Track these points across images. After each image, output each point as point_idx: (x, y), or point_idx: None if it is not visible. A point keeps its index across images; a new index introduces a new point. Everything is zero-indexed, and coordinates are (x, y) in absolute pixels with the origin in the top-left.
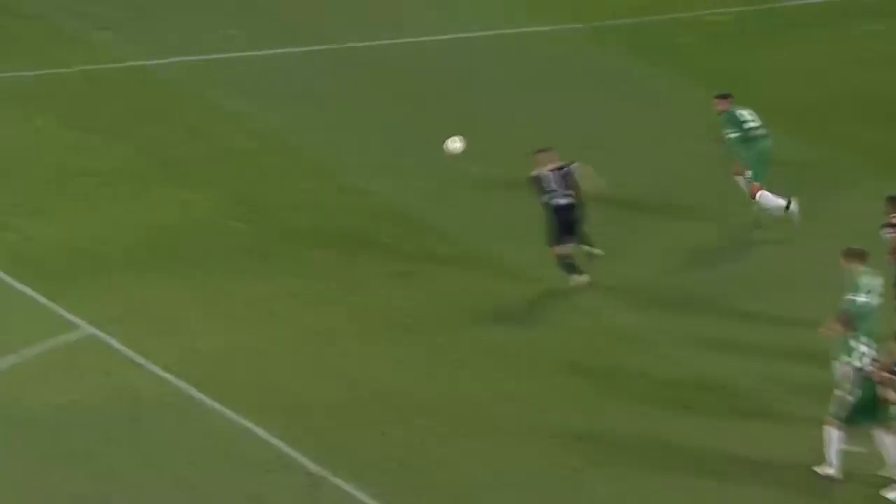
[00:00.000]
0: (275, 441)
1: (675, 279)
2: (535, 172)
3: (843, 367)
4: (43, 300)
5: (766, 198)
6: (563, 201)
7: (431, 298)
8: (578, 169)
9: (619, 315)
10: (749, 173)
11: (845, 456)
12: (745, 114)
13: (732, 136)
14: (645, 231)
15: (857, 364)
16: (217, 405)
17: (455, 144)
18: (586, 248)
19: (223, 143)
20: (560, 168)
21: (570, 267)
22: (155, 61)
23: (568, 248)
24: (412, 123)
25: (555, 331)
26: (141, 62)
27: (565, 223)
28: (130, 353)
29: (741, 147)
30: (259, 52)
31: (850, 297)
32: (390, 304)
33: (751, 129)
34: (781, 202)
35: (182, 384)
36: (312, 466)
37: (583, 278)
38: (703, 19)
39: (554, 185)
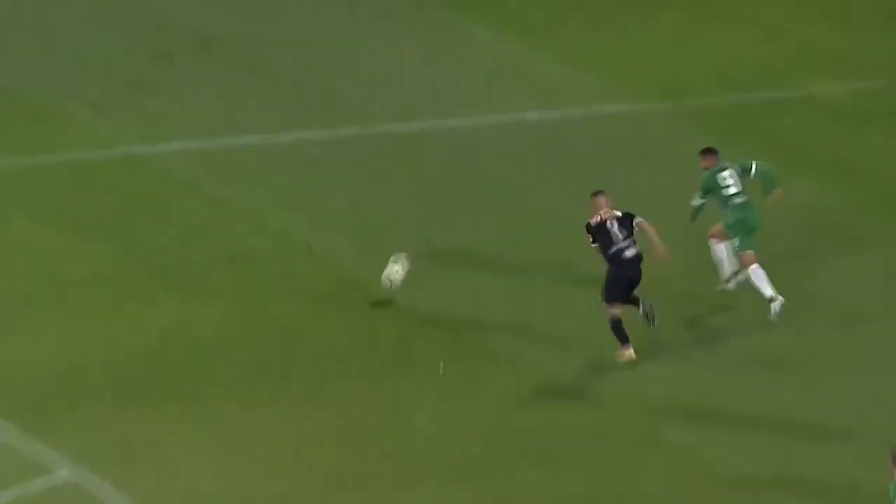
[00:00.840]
0: None
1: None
2: (595, 219)
3: None
4: (13, 436)
5: (759, 278)
6: (630, 253)
7: (478, 432)
8: (641, 224)
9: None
10: (736, 241)
11: None
12: (726, 176)
13: (702, 200)
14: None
15: None
16: None
17: (395, 270)
18: (647, 310)
19: (229, 246)
20: (622, 217)
21: (623, 334)
22: (151, 147)
23: (620, 309)
24: (457, 220)
25: (625, 465)
26: (134, 148)
27: (630, 279)
28: (121, 501)
29: (723, 212)
30: (277, 137)
31: None
32: (431, 440)
33: (729, 195)
34: (769, 292)
35: None
36: None
37: (631, 353)
38: (811, 98)
39: (621, 235)
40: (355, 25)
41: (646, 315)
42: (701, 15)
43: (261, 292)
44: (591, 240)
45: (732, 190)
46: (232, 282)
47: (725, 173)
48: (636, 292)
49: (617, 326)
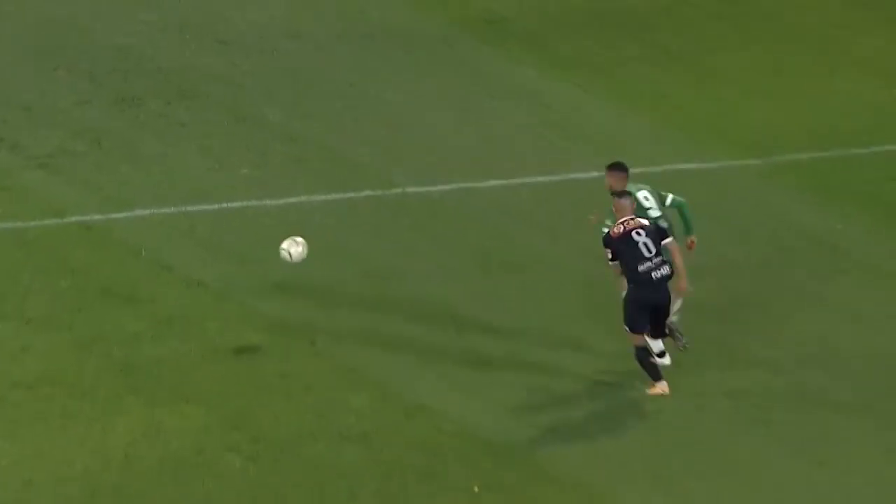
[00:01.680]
0: None
1: None
2: (618, 229)
3: None
4: None
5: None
6: (661, 273)
7: None
8: (670, 245)
9: None
10: None
11: None
12: (647, 195)
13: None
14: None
15: None
16: None
17: (296, 249)
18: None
19: (210, 338)
20: (651, 228)
21: (653, 367)
22: (113, 215)
23: (645, 337)
24: (490, 300)
25: None
26: (93, 216)
27: (657, 304)
28: None
29: None
30: (269, 201)
31: None
32: None
33: (654, 218)
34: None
35: None
36: None
37: (664, 387)
38: None
39: (652, 250)
40: (366, 64)
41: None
42: (796, 50)
43: (250, 397)
44: (610, 257)
45: (655, 213)
46: (214, 384)
47: (644, 193)
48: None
49: (644, 358)
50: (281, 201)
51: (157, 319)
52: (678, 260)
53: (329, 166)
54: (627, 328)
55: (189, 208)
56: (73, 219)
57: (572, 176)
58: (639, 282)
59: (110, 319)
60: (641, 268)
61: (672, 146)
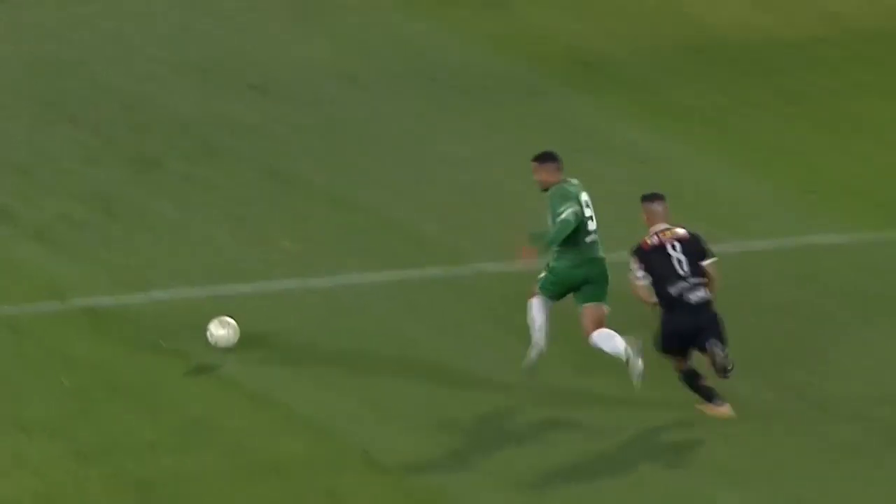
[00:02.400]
0: None
1: None
2: (652, 240)
3: None
4: None
5: (606, 342)
6: (698, 296)
7: None
8: (710, 268)
9: None
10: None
11: None
12: (585, 199)
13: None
14: None
15: None
16: None
17: (222, 333)
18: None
19: (247, 450)
20: (689, 239)
21: (705, 388)
22: (125, 298)
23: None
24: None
25: None
26: (100, 298)
27: (696, 328)
28: None
29: (570, 251)
30: (315, 280)
31: None
32: None
33: (589, 231)
34: (620, 347)
35: None
36: None
37: (725, 409)
38: None
39: (687, 268)
40: (429, 114)
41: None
42: None
43: None
44: (639, 271)
45: (592, 225)
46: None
47: (586, 196)
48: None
49: (692, 382)
50: (328, 281)
51: (178, 425)
52: (715, 286)
53: (385, 238)
54: (659, 351)
55: (217, 289)
56: (77, 302)
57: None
58: (671, 306)
59: (121, 425)
60: (673, 289)
61: (802, 213)
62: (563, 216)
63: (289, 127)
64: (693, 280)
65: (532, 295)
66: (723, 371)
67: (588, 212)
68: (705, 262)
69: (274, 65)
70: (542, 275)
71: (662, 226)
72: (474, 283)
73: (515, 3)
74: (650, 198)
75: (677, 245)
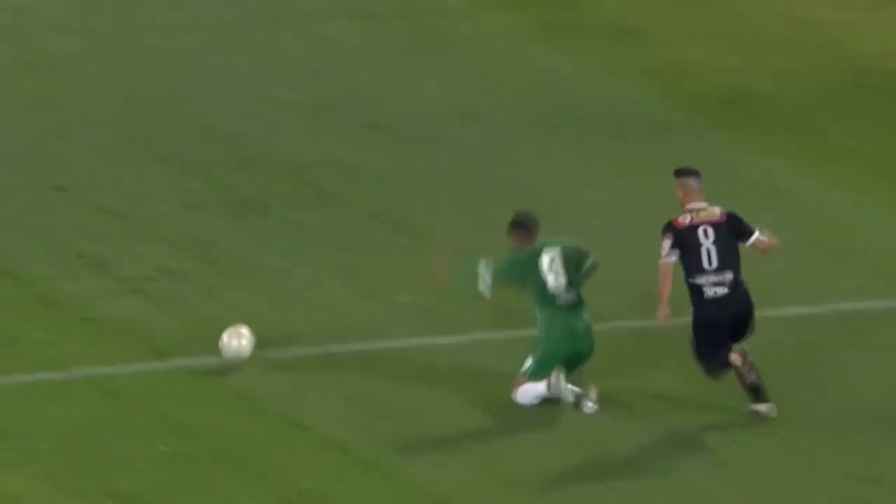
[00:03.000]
0: None
1: None
2: (685, 219)
3: None
4: None
5: (526, 394)
6: (723, 291)
7: None
8: (761, 243)
9: None
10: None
11: None
12: (546, 262)
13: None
14: None
15: None
16: None
17: (238, 344)
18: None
19: None
20: (727, 221)
21: (754, 387)
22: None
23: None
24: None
25: None
26: (204, 358)
27: (733, 321)
28: None
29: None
30: (447, 339)
31: None
32: None
33: (550, 294)
34: (541, 389)
35: None
36: None
37: (769, 407)
38: None
39: (716, 258)
40: (560, 156)
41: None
42: None
43: None
44: (668, 248)
45: (552, 284)
46: None
47: (548, 256)
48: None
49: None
50: (454, 339)
51: (286, 496)
52: (772, 250)
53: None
54: (697, 361)
55: (330, 348)
56: (177, 362)
57: (840, 307)
58: (698, 299)
59: (224, 495)
60: (698, 279)
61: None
62: (486, 280)
63: (407, 170)
64: (719, 275)
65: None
66: (753, 391)
67: (550, 275)
68: (749, 242)
69: (392, 102)
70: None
71: (698, 205)
72: (617, 338)
73: (660, 35)
74: (685, 172)
75: (710, 231)
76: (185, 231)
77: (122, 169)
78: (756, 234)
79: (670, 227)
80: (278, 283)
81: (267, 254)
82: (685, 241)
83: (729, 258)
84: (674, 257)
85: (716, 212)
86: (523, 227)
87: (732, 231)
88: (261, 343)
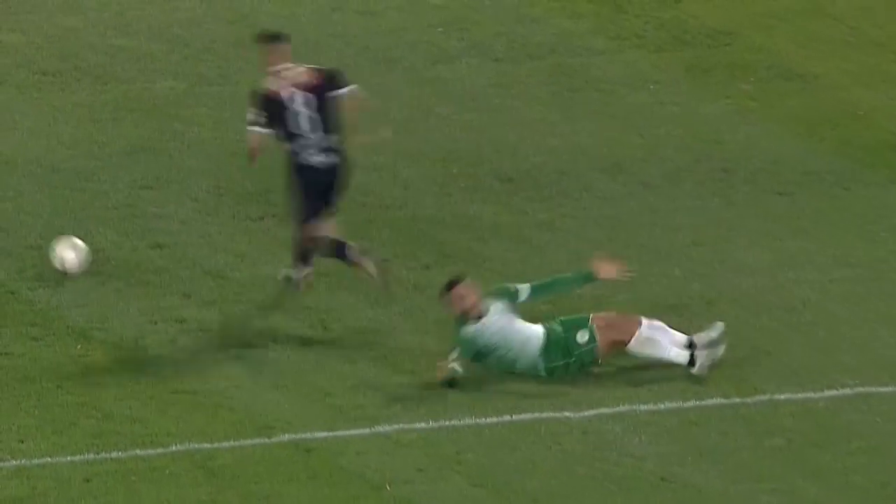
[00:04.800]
0: None
1: None
2: (272, 88)
3: None
4: None
5: None
6: (321, 159)
7: None
8: (352, 95)
9: None
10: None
11: None
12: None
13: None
14: None
15: None
16: None
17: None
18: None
19: None
20: (316, 86)
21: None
22: (346, 432)
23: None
24: None
25: None
26: (315, 433)
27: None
28: None
29: None
30: (578, 414)
31: None
32: None
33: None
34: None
35: None
36: None
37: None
38: None
39: (306, 125)
40: (714, 211)
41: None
42: None
43: None
44: (255, 118)
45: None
46: None
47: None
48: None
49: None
50: (586, 413)
51: None
52: (353, 116)
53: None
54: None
55: (457, 422)
56: (286, 437)
57: None
58: (297, 167)
59: None
60: (294, 148)
61: None
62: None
63: (545, 228)
64: (315, 138)
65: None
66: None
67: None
68: (342, 92)
69: (528, 154)
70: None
71: (284, 66)
72: (770, 413)
73: (826, 77)
74: (269, 37)
75: (298, 96)
76: (295, 295)
77: (227, 225)
78: (349, 89)
79: (260, 98)
80: (400, 353)
81: (387, 321)
82: (273, 108)
83: (326, 121)
84: (262, 131)
85: (302, 71)
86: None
87: (326, 94)
88: (379, 418)
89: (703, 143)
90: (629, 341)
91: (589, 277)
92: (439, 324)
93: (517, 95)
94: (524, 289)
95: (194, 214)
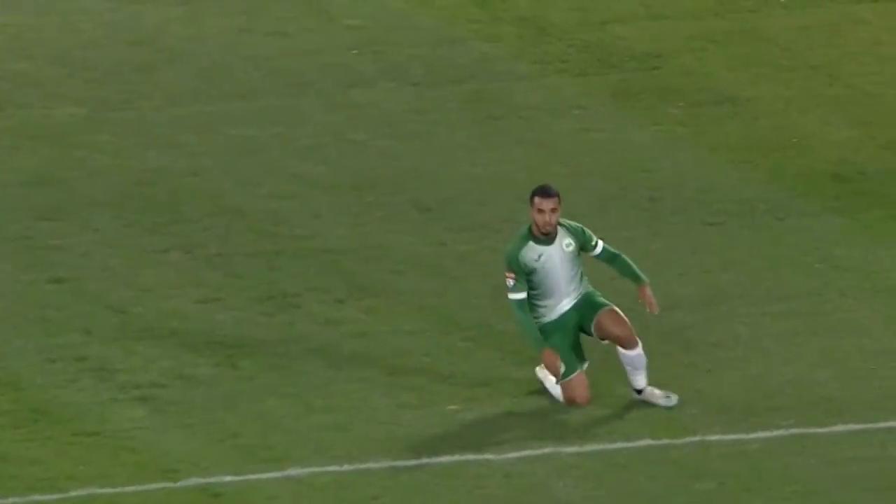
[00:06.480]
0: None
1: None
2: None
3: None
4: None
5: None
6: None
7: None
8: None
9: None
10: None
11: None
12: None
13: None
14: None
15: None
16: None
17: None
18: None
19: None
20: None
21: None
22: (256, 476)
23: None
24: None
25: None
26: (223, 477)
27: None
28: None
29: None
30: (499, 456)
31: None
32: None
33: None
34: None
35: None
36: None
37: None
38: None
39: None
40: (646, 244)
41: None
42: None
43: None
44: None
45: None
46: None
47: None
48: None
49: None
50: (509, 456)
51: None
52: None
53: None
54: None
55: (373, 465)
56: (192, 481)
57: None
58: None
59: None
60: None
61: None
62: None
63: (464, 260)
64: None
65: None
66: None
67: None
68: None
69: (447, 183)
70: None
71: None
72: (700, 454)
73: (760, 101)
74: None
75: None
76: (203, 330)
77: (130, 258)
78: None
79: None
80: (312, 390)
81: (300, 355)
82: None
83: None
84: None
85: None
86: None
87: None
88: (290, 460)
89: (631, 171)
90: (631, 346)
91: (639, 280)
92: (352, 359)
93: (436, 121)
94: (599, 245)
95: (96, 247)
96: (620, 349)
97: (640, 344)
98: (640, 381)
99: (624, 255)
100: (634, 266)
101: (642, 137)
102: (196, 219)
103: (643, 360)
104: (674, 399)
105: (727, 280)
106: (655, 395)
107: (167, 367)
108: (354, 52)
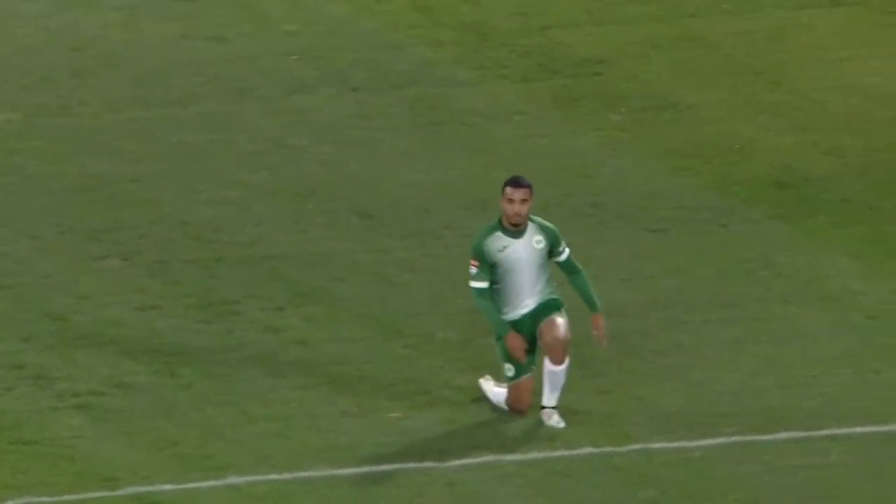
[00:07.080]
0: None
1: None
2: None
3: None
4: None
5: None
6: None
7: None
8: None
9: None
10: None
11: None
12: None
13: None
14: None
15: None
16: None
17: None
18: None
19: None
20: None
21: None
22: (196, 484)
23: None
24: None
25: None
26: (162, 486)
27: None
28: None
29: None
30: (441, 464)
31: None
32: None
33: None
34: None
35: None
36: None
37: None
38: None
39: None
40: (589, 250)
41: None
42: None
43: None
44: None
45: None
46: None
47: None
48: None
49: None
50: (451, 464)
51: None
52: None
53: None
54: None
55: (314, 473)
56: (131, 489)
57: None
58: None
59: None
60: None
61: None
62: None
63: (405, 267)
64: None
65: None
66: None
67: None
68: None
69: (388, 189)
70: None
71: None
72: (643, 462)
73: (702, 107)
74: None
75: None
76: (142, 338)
77: (68, 265)
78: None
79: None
80: (252, 399)
81: (241, 363)
82: None
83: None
84: None
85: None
86: None
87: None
88: (230, 469)
89: (572, 176)
90: (557, 361)
91: (594, 307)
92: (293, 367)
93: (377, 127)
94: (566, 252)
95: (34, 253)
96: (546, 360)
97: (566, 363)
98: (551, 399)
99: (584, 274)
100: (591, 290)
101: (584, 143)
102: (135, 226)
103: (562, 380)
104: (562, 424)
105: (670, 287)
106: (553, 419)
107: (106, 374)
108: (294, 57)
